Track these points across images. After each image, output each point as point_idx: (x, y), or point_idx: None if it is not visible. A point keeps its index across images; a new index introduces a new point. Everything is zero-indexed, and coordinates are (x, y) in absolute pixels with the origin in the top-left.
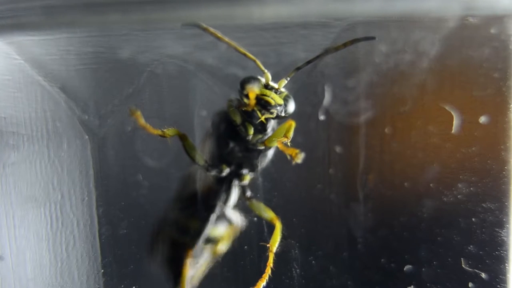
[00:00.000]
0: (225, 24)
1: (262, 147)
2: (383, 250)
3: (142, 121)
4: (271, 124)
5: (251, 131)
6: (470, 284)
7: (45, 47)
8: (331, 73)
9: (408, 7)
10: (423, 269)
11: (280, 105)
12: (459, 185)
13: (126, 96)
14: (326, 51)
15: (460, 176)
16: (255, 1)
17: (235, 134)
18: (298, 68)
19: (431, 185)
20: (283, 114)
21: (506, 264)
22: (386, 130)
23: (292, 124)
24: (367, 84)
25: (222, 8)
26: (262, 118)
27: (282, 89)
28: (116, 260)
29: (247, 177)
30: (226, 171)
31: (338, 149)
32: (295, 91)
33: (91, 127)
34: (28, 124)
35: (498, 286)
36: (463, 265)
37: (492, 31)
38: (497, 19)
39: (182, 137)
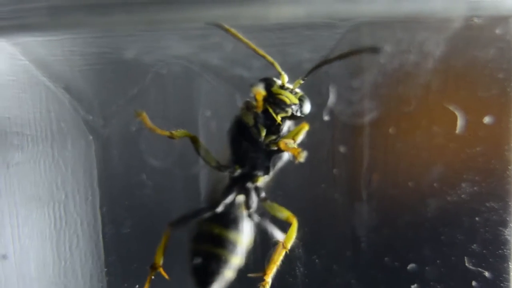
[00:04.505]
0: (230, 25)
1: (275, 148)
2: (387, 249)
3: (149, 122)
4: (286, 125)
5: (263, 132)
6: (474, 283)
7: (49, 48)
8: (336, 73)
9: (413, 8)
10: (426, 268)
11: (295, 104)
12: (463, 185)
13: (130, 96)
14: (339, 56)
15: (464, 176)
16: (260, 2)
17: (248, 136)
18: (314, 68)
19: (435, 184)
20: (298, 114)
21: (509, 263)
22: (390, 130)
23: (305, 126)
24: (372, 84)
25: (227, 9)
26: (278, 118)
27: (297, 90)
28: (119, 259)
29: (260, 178)
30: (238, 172)
31: (342, 149)
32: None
33: (96, 127)
34: (32, 125)
35: (502, 284)
36: (466, 264)
37: (497, 31)
38: (502, 19)
39: (193, 139)
